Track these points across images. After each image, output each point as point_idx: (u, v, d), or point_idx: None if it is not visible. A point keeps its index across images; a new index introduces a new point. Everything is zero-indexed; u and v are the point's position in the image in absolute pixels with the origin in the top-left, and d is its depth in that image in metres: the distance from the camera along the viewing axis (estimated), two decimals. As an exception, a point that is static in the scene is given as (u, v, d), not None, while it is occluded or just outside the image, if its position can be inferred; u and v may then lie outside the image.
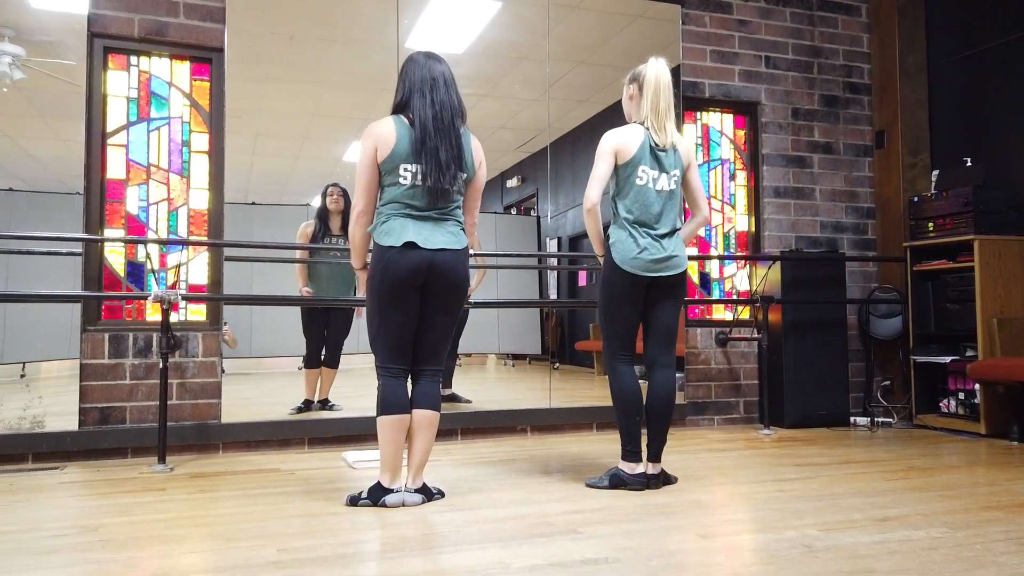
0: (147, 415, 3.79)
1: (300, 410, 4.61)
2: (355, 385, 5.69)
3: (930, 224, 4.81)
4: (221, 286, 4.05)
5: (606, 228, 3.16)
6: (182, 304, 3.97)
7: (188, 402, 3.89)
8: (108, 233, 3.89)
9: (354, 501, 2.78)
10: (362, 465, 3.50)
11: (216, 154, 4.08)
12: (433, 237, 2.77)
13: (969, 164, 4.81)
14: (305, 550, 2.21)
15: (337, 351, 4.87)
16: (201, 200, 4.07)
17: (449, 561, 2.11)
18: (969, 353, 4.54)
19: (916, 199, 4.94)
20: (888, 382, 5.21)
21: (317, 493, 2.98)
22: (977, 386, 4.42)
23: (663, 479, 3.09)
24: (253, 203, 7.58)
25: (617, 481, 3.04)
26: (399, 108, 2.86)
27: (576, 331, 7.91)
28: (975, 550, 2.19)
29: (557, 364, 7.67)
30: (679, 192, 3.16)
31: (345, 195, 4.88)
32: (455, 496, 2.91)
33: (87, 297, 3.79)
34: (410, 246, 2.73)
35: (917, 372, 4.87)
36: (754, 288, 5.03)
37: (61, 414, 3.83)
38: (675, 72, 5.05)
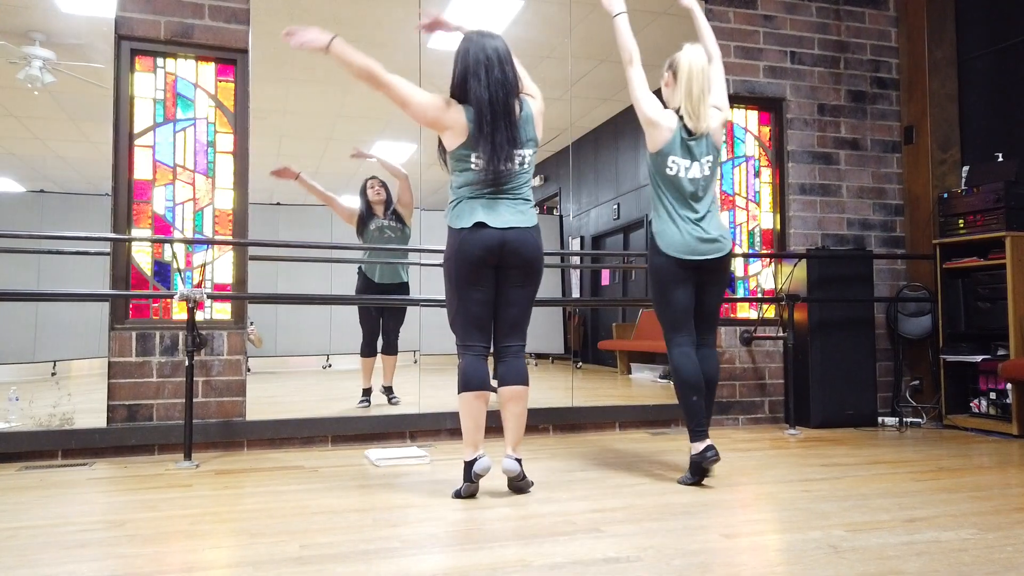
0: (173, 412, 3.84)
1: (363, 403, 4.68)
2: (378, 384, 5.70)
3: (960, 221, 4.72)
4: (246, 285, 4.09)
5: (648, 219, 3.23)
6: (207, 303, 4.01)
7: (213, 400, 3.93)
8: (135, 233, 3.94)
9: (458, 493, 2.85)
10: (385, 463, 3.52)
11: (241, 154, 4.11)
12: (502, 216, 2.85)
13: (1001, 159, 4.71)
14: (327, 546, 2.23)
15: (393, 338, 4.95)
16: (226, 200, 4.10)
17: (470, 559, 2.11)
18: (1001, 352, 4.45)
19: (946, 195, 4.86)
20: (917, 382, 5.12)
21: (340, 490, 3.00)
22: (1009, 386, 4.33)
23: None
24: (278, 204, 7.66)
25: (696, 469, 3.07)
26: (456, 89, 2.91)
27: (599, 330, 7.89)
28: (1006, 552, 2.14)
29: (580, 363, 7.66)
30: (714, 175, 3.20)
31: (385, 186, 5.01)
32: (477, 493, 2.91)
33: (115, 296, 3.84)
34: (480, 226, 2.82)
35: (947, 371, 4.79)
36: (779, 286, 4.97)
37: (91, 411, 3.89)
38: (699, 69, 5.01)
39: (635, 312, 7.42)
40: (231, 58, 4.12)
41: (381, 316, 4.95)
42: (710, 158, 3.16)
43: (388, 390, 4.76)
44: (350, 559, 2.11)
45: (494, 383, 3.07)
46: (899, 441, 4.23)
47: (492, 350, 3.01)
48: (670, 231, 3.12)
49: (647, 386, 6.46)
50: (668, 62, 3.22)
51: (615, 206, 7.64)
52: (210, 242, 4.04)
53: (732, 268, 3.25)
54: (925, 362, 5.06)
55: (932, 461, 3.61)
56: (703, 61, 3.14)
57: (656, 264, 3.17)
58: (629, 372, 7.16)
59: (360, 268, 5.02)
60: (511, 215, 2.87)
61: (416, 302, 4.85)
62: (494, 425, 3.53)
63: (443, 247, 2.97)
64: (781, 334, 4.80)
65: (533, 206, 2.97)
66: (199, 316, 3.87)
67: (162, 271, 4.00)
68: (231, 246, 4.08)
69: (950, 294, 4.81)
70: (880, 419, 4.84)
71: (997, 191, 4.48)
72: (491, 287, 2.90)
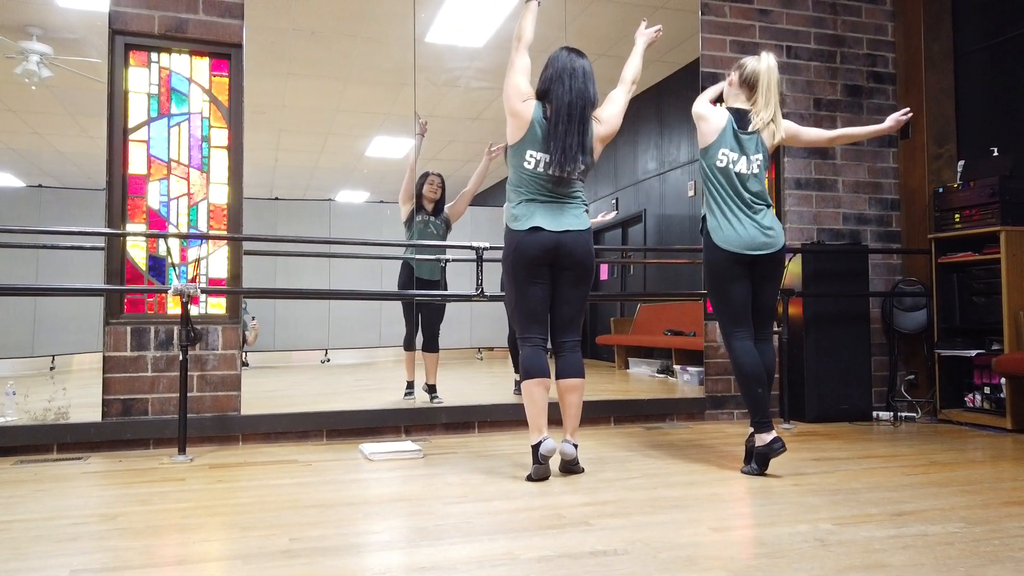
0: (168, 407, 3.85)
1: (408, 395, 4.73)
2: (375, 378, 5.73)
3: (956, 215, 4.72)
4: (240, 280, 4.10)
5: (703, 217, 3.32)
6: (202, 297, 4.02)
7: (208, 394, 3.94)
8: (130, 228, 3.95)
9: (529, 477, 3.03)
10: (379, 457, 3.53)
11: (235, 149, 4.12)
12: (558, 220, 3.04)
13: (996, 154, 4.71)
14: (317, 539, 2.24)
15: (432, 336, 4.95)
16: (221, 195, 4.11)
17: (459, 552, 2.12)
18: (995, 347, 4.46)
19: (941, 190, 4.86)
20: (912, 376, 5.13)
21: (333, 484, 3.01)
22: (1003, 380, 4.34)
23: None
24: (276, 198, 7.66)
25: (762, 460, 3.11)
26: (541, 95, 3.09)
27: (597, 325, 7.89)
28: (992, 545, 2.15)
29: (578, 358, 7.66)
30: (763, 174, 3.26)
31: (443, 187, 5.02)
32: (468, 488, 2.92)
33: (109, 291, 3.85)
34: (536, 230, 3.01)
35: (942, 366, 4.79)
36: (775, 281, 4.97)
37: (87, 406, 3.90)
38: (694, 64, 5.01)
39: (633, 307, 7.42)
40: (225, 53, 4.12)
41: (420, 313, 4.96)
42: (759, 156, 3.23)
43: (431, 388, 4.74)
44: (340, 552, 2.12)
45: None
46: (893, 435, 4.24)
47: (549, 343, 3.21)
48: (724, 226, 3.19)
49: (644, 381, 6.47)
50: (737, 64, 3.32)
51: (613, 200, 7.64)
52: (204, 237, 4.05)
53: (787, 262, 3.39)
54: (920, 357, 5.06)
55: (925, 455, 3.62)
56: (776, 65, 3.25)
57: (712, 260, 3.23)
58: (627, 367, 7.17)
59: (404, 261, 5.02)
60: (566, 218, 3.05)
61: (412, 297, 4.86)
62: (501, 419, 3.55)
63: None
64: (776, 329, 4.81)
65: (586, 210, 3.14)
66: (194, 311, 3.88)
67: (157, 266, 4.01)
68: (226, 241, 4.09)
69: (945, 289, 4.82)
70: (875, 413, 4.84)
71: (992, 186, 4.48)
72: (548, 283, 3.11)
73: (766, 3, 5.11)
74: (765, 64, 3.21)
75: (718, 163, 3.21)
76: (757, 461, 3.14)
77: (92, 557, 2.09)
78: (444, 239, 4.96)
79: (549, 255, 3.03)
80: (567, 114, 3.00)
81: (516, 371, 3.60)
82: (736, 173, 3.20)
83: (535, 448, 2.99)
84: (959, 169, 4.96)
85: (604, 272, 7.97)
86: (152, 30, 3.98)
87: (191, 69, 4.09)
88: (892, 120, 3.43)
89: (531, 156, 3.04)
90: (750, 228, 3.16)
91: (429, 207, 4.97)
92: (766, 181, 3.32)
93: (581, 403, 3.16)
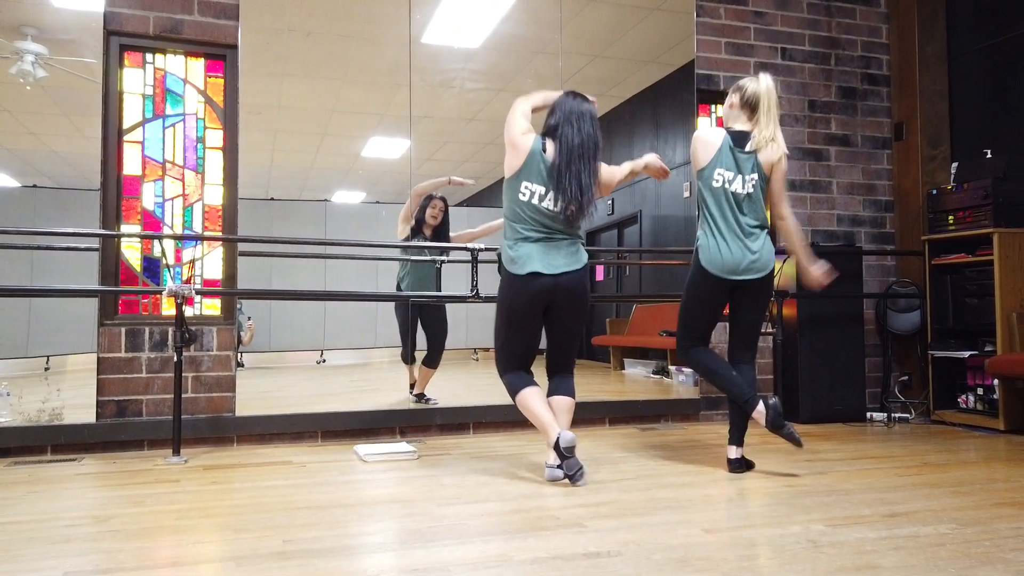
0: (163, 408, 3.85)
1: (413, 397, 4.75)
2: (370, 379, 5.73)
3: (950, 217, 4.74)
4: (235, 281, 4.09)
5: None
6: (197, 299, 4.02)
7: (203, 395, 3.94)
8: (124, 229, 3.95)
9: (564, 475, 2.98)
10: (373, 458, 3.53)
11: (230, 150, 4.12)
12: (556, 261, 3.05)
13: (989, 156, 4.73)
14: (311, 541, 2.24)
15: (438, 350, 4.89)
16: (216, 196, 4.11)
17: (452, 553, 2.12)
18: (988, 348, 4.47)
19: (935, 192, 4.88)
20: (906, 377, 5.15)
21: (327, 486, 3.01)
22: (996, 381, 4.36)
23: (746, 464, 3.26)
24: (272, 199, 7.66)
25: (776, 424, 3.17)
26: (547, 134, 3.12)
27: (592, 326, 7.91)
28: (983, 546, 2.16)
29: (574, 359, 7.68)
30: (758, 195, 3.25)
31: (446, 212, 4.91)
32: (462, 489, 2.93)
33: (103, 292, 3.85)
34: (534, 275, 3.03)
35: (935, 367, 4.81)
36: (769, 282, 4.98)
37: (81, 407, 3.90)
38: (689, 65, 5.02)
39: (629, 308, 7.43)
40: (220, 54, 4.12)
41: (425, 330, 4.92)
42: (755, 176, 3.22)
43: (420, 396, 4.75)
44: (333, 554, 2.12)
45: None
46: (886, 436, 4.26)
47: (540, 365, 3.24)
48: (712, 247, 3.20)
49: (639, 381, 6.49)
50: (736, 86, 3.33)
51: (609, 201, 7.65)
52: (199, 238, 4.05)
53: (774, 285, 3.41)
54: (913, 358, 5.08)
55: (917, 456, 3.63)
56: (774, 86, 3.26)
57: (695, 278, 3.28)
58: (622, 367, 7.18)
59: (399, 284, 4.97)
60: (563, 259, 3.07)
61: (408, 298, 4.86)
62: (495, 420, 3.56)
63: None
64: (770, 330, 4.81)
65: (582, 245, 3.17)
66: (188, 312, 3.88)
67: (151, 267, 4.00)
68: (221, 242, 4.09)
69: (938, 290, 4.83)
70: (868, 414, 4.86)
71: (985, 187, 4.50)
72: (539, 325, 3.16)
73: (761, 5, 5.13)
74: (764, 85, 3.22)
75: (714, 183, 3.20)
76: (774, 428, 3.13)
77: (85, 559, 2.09)
78: (438, 269, 4.91)
79: (545, 297, 3.06)
80: (579, 155, 3.03)
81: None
82: (732, 193, 3.19)
83: (556, 446, 2.95)
84: (953, 171, 4.98)
85: (600, 273, 7.98)
86: (147, 31, 3.97)
87: (186, 70, 4.09)
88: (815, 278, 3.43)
89: (527, 188, 3.04)
90: (737, 252, 3.16)
91: (427, 232, 4.86)
92: (763, 202, 3.31)
93: (569, 423, 3.16)
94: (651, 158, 3.38)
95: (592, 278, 7.96)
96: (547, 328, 3.19)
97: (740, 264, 3.17)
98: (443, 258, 4.95)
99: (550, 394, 3.18)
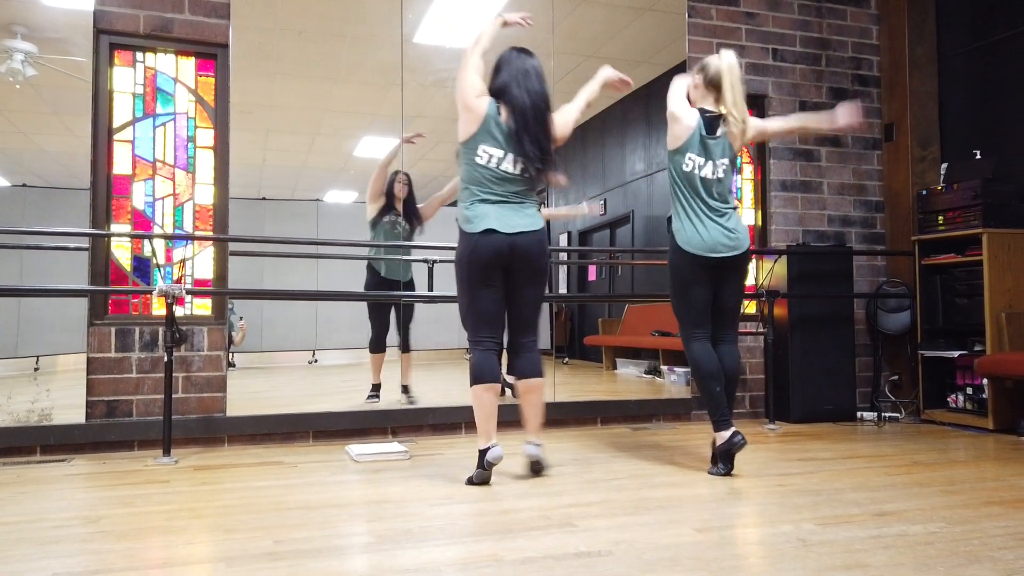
0: (153, 408, 3.83)
1: (372, 398, 4.70)
2: (362, 379, 5.72)
3: (939, 217, 4.76)
4: (226, 280, 4.08)
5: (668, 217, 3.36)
6: (187, 298, 4.00)
7: (194, 395, 3.92)
8: (114, 228, 3.93)
9: (470, 480, 2.98)
10: (365, 458, 3.53)
11: (221, 149, 4.10)
12: (512, 221, 3.01)
13: (979, 157, 4.75)
14: (301, 541, 2.24)
15: (406, 335, 4.92)
16: (206, 195, 4.09)
17: (443, 554, 2.12)
18: (977, 348, 4.50)
19: (925, 192, 4.90)
20: (896, 377, 5.17)
21: (318, 486, 3.01)
22: (985, 381, 4.38)
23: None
24: (264, 198, 7.63)
25: (726, 457, 3.14)
26: (495, 95, 3.06)
27: (585, 326, 7.91)
28: (972, 545, 2.17)
29: (567, 359, 7.68)
30: (728, 179, 3.28)
31: (410, 185, 5.02)
32: (454, 489, 2.93)
33: (93, 291, 3.83)
34: (489, 232, 2.97)
35: (925, 367, 4.84)
36: (760, 282, 5.00)
37: (71, 407, 3.88)
38: (681, 66, 5.03)
39: (621, 308, 7.44)
40: (211, 52, 4.10)
41: (390, 313, 4.95)
42: (725, 161, 3.25)
43: (405, 389, 4.74)
44: (323, 554, 2.12)
45: (510, 379, 3.24)
46: (877, 436, 4.28)
47: (505, 344, 3.18)
48: (688, 228, 3.21)
49: (632, 381, 6.49)
50: (699, 66, 3.33)
51: (601, 201, 7.66)
52: (190, 238, 4.03)
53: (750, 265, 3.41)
54: (903, 357, 5.10)
55: (907, 455, 3.65)
56: (737, 62, 3.25)
57: (675, 262, 3.26)
58: (615, 367, 7.19)
59: (369, 263, 5.02)
60: (520, 219, 3.03)
61: (400, 297, 4.85)
62: (511, 419, 3.55)
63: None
64: (761, 330, 4.83)
65: (538, 209, 3.13)
66: (179, 312, 3.87)
67: (142, 266, 3.99)
68: (212, 241, 4.07)
69: (928, 290, 4.86)
70: (859, 414, 4.88)
71: (975, 188, 4.52)
72: (501, 286, 3.06)
73: (752, 6, 5.14)
74: (726, 62, 3.21)
75: (684, 167, 3.23)
76: (722, 460, 3.15)
77: (75, 560, 2.08)
78: (410, 239, 4.98)
79: (503, 258, 3.00)
80: (533, 116, 3.01)
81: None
82: (701, 178, 3.22)
83: (482, 453, 2.95)
84: (942, 172, 5.00)
85: (592, 273, 7.99)
86: (137, 29, 3.96)
87: (177, 69, 4.07)
88: (844, 120, 3.29)
89: (484, 151, 3.02)
90: (713, 231, 3.19)
91: (399, 207, 4.98)
92: (732, 184, 3.34)
93: (542, 403, 3.14)
94: (605, 73, 3.27)
95: (584, 278, 7.97)
96: (507, 300, 3.10)
97: (718, 242, 3.19)
98: (435, 257, 4.97)
99: (518, 376, 3.12)
